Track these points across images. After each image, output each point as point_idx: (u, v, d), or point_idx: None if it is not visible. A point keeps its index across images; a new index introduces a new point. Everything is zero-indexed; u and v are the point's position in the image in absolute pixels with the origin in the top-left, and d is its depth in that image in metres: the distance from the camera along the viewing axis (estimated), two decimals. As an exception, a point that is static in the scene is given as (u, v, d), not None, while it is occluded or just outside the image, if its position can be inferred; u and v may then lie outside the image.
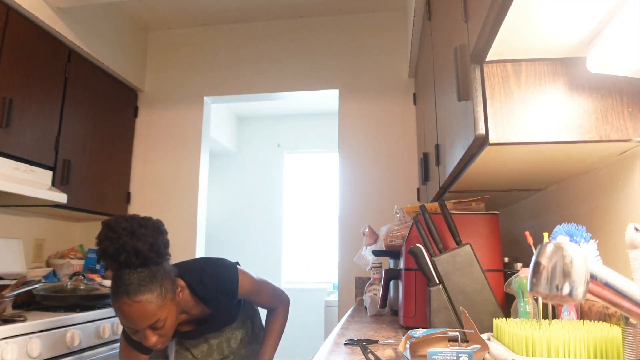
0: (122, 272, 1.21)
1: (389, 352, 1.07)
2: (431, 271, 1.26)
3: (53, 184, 2.32)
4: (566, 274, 0.56)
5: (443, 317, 1.22)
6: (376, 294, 2.09)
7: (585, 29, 0.87)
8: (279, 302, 1.64)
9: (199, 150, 3.08)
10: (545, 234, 0.97)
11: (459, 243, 1.29)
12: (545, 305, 1.02)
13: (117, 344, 2.09)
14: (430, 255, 1.28)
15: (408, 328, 1.36)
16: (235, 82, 3.13)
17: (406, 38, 2.81)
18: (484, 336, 0.93)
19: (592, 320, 0.93)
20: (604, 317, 1.03)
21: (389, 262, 2.13)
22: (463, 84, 1.02)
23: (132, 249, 1.20)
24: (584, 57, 0.93)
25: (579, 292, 0.56)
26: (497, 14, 0.85)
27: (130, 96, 3.13)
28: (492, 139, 0.98)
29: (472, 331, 0.91)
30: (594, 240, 0.93)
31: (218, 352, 1.62)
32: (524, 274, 1.07)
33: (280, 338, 1.62)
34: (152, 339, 1.23)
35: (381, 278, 1.97)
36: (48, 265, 2.64)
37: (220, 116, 4.38)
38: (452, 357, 0.85)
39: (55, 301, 1.96)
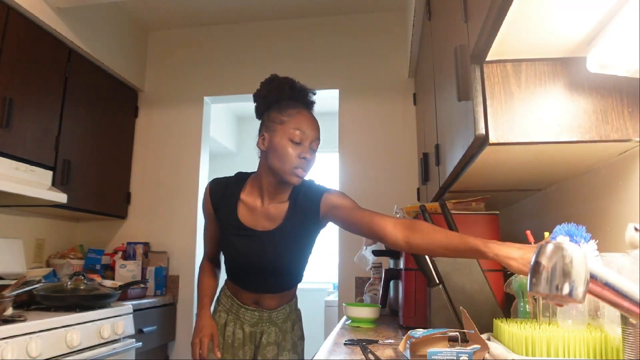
0: (296, 101, 1.43)
1: (389, 352, 1.07)
2: (431, 271, 1.26)
3: (53, 184, 2.32)
4: (566, 274, 0.56)
5: (443, 317, 1.22)
6: (376, 294, 2.09)
7: (585, 29, 0.87)
8: (387, 217, 1.25)
9: (199, 150, 3.07)
10: (547, 234, 0.97)
11: (459, 243, 1.29)
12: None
13: (117, 344, 2.08)
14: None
15: (408, 328, 1.36)
16: (235, 82, 3.13)
17: (406, 38, 2.80)
18: (484, 336, 0.93)
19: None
20: (604, 317, 1.03)
21: (389, 262, 2.13)
22: (463, 84, 1.02)
23: (308, 91, 1.49)
24: (584, 57, 0.93)
25: (579, 292, 0.56)
26: (497, 14, 0.85)
27: (130, 96, 3.13)
28: (492, 139, 0.98)
29: (472, 331, 0.91)
30: (594, 240, 0.93)
31: (251, 342, 1.55)
32: (524, 274, 1.07)
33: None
34: (309, 154, 1.35)
35: (381, 278, 1.98)
36: (48, 265, 2.64)
37: (220, 116, 4.38)
38: (452, 357, 0.85)
39: (55, 301, 1.96)
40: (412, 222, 1.17)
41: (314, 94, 1.50)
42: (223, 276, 1.63)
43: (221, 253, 1.61)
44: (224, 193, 1.50)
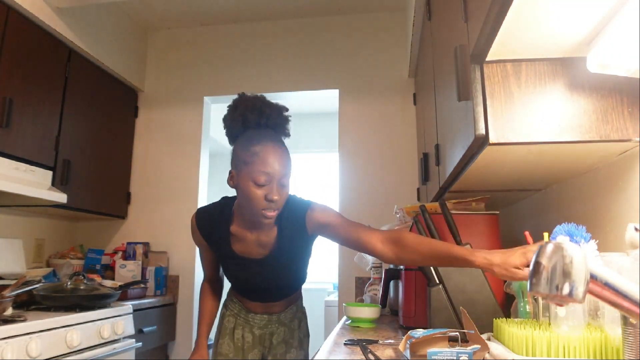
0: (263, 130, 1.32)
1: (389, 352, 1.07)
2: (431, 271, 1.26)
3: (53, 184, 2.32)
4: (566, 274, 0.56)
5: (443, 317, 1.22)
6: (376, 294, 2.09)
7: (585, 29, 0.87)
8: (380, 232, 1.26)
9: (199, 150, 3.07)
10: (546, 234, 0.97)
11: (459, 243, 1.29)
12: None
13: (117, 344, 2.08)
14: (430, 255, 1.27)
15: (408, 328, 1.36)
16: (235, 82, 3.12)
17: (406, 38, 2.80)
18: (484, 336, 0.93)
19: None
20: (604, 317, 1.03)
21: (389, 262, 2.13)
22: (463, 84, 1.02)
23: (279, 110, 1.35)
24: (584, 57, 0.93)
25: (579, 292, 0.55)
26: (497, 14, 0.85)
27: (130, 96, 3.13)
28: (492, 139, 0.98)
29: (472, 331, 0.91)
30: (594, 240, 0.93)
31: (260, 344, 1.59)
32: (524, 274, 1.07)
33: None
34: (277, 195, 1.25)
35: (381, 278, 1.98)
36: (48, 265, 2.64)
37: (220, 116, 4.37)
38: (452, 357, 0.85)
39: (55, 301, 1.96)
40: (399, 237, 1.19)
41: (287, 110, 1.38)
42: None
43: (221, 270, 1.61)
44: (212, 225, 1.45)
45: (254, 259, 1.44)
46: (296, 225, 1.39)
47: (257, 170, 1.24)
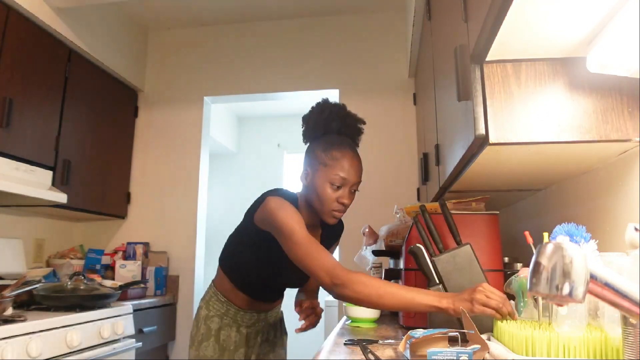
0: (343, 137, 1.40)
1: (389, 352, 1.07)
2: (431, 271, 1.26)
3: (53, 184, 2.32)
4: (566, 274, 0.56)
5: (443, 317, 1.22)
6: (376, 294, 2.08)
7: (585, 29, 0.87)
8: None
9: (199, 150, 3.07)
10: (545, 234, 0.97)
11: (459, 243, 1.29)
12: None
13: (117, 344, 2.08)
14: (430, 255, 1.28)
15: (408, 328, 1.36)
16: (235, 82, 3.13)
17: (406, 38, 2.80)
18: (484, 336, 0.93)
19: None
20: (604, 317, 1.02)
21: (389, 262, 2.13)
22: (463, 84, 1.02)
23: (358, 121, 1.47)
24: (584, 57, 0.93)
25: (579, 292, 0.55)
26: (497, 14, 0.85)
27: (130, 96, 3.13)
28: (492, 139, 0.98)
29: (472, 331, 0.91)
30: (594, 240, 0.93)
31: (245, 344, 1.56)
32: (524, 274, 1.07)
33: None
34: (348, 199, 1.34)
35: (381, 278, 1.97)
36: (48, 265, 2.64)
37: (220, 116, 4.38)
38: (452, 357, 0.85)
39: (55, 301, 1.96)
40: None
41: (364, 123, 1.47)
42: (205, 279, 1.61)
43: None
44: None
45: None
46: (335, 234, 1.59)
47: (335, 173, 1.31)
